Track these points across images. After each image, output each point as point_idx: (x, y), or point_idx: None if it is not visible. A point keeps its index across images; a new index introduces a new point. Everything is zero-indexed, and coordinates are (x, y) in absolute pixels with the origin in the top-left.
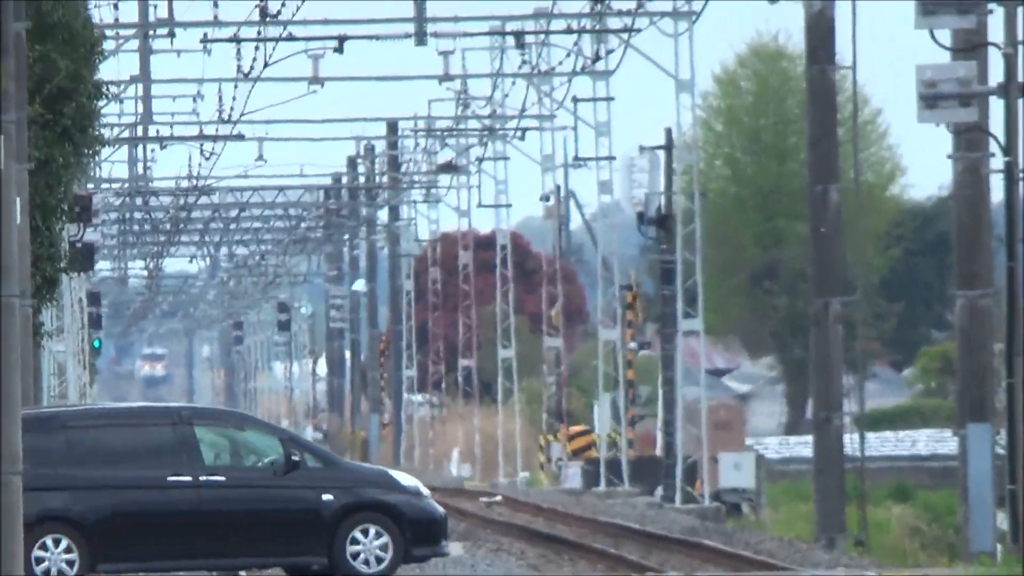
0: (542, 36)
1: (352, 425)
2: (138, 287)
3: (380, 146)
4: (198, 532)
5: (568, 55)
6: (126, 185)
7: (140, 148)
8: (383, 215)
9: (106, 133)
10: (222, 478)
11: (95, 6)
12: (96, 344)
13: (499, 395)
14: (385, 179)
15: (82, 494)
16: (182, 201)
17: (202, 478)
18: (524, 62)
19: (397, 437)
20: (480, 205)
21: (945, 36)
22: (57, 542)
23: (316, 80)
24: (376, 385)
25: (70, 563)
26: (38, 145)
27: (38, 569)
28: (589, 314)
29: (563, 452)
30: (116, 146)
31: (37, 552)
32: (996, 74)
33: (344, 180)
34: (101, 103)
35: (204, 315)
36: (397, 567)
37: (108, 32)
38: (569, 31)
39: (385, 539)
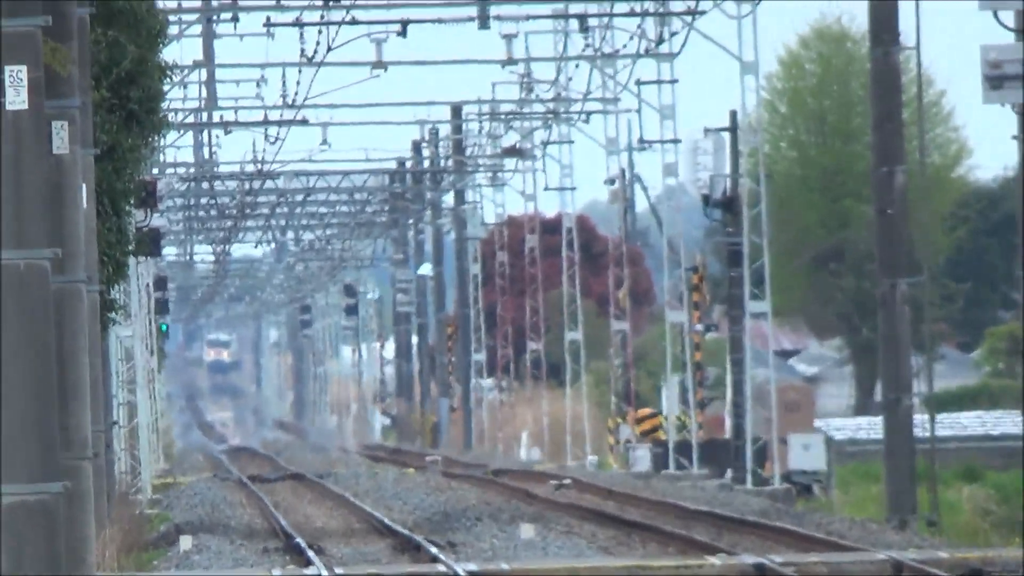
0: (605, 19)
1: (421, 409)
2: (205, 271)
3: (444, 130)
4: None
5: (632, 38)
6: (191, 170)
7: (205, 133)
8: (448, 199)
9: (171, 118)
10: None
11: None
12: (163, 328)
13: (567, 378)
14: (450, 163)
15: None
16: (247, 186)
17: None
18: (587, 45)
19: (467, 421)
20: (546, 188)
21: (1009, 17)
22: None
23: (379, 64)
24: (444, 369)
25: None
26: (105, 130)
27: None
28: (656, 296)
29: (632, 434)
30: (181, 131)
31: None
32: None
33: (409, 164)
34: (166, 86)
35: (271, 299)
36: None
37: (171, 17)
38: (632, 14)
39: None
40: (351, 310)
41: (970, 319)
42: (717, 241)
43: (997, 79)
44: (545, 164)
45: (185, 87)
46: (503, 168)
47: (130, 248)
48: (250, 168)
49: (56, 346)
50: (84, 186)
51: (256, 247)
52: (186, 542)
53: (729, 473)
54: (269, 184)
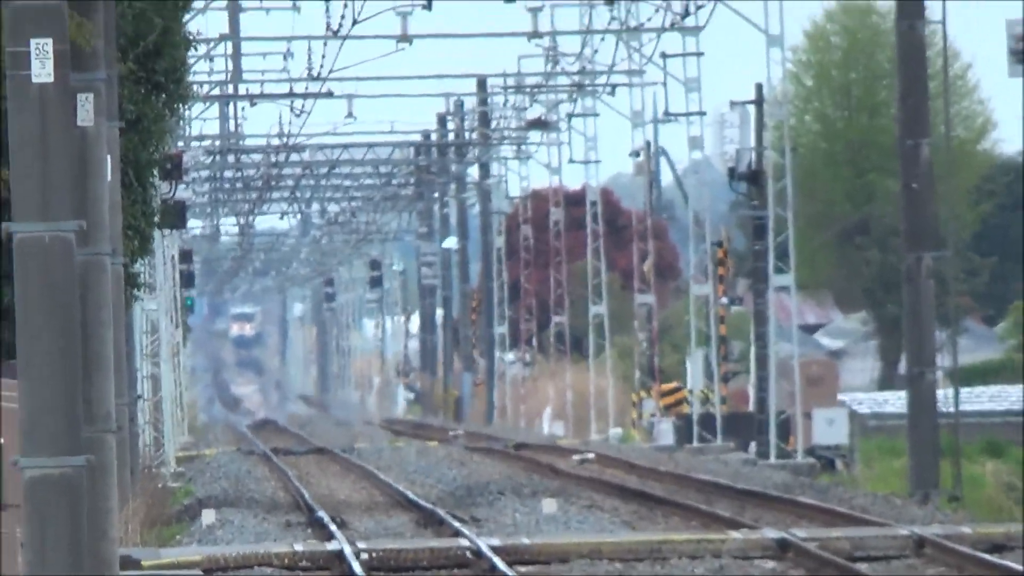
0: None
1: (444, 383)
2: (230, 244)
3: (470, 103)
4: None
5: (657, 11)
6: (217, 143)
7: (231, 106)
8: (473, 172)
9: (197, 90)
10: None
11: None
12: (189, 302)
13: (591, 352)
14: (475, 136)
15: None
16: (273, 158)
17: None
18: (613, 18)
19: (490, 395)
20: (571, 161)
21: None
22: None
23: (405, 38)
24: (468, 343)
25: None
26: (132, 101)
27: None
28: (681, 270)
29: (656, 408)
30: (207, 104)
31: None
32: None
33: (434, 137)
34: (192, 56)
35: (296, 273)
36: None
37: None
38: None
39: None
40: (375, 283)
41: (995, 293)
42: (742, 214)
43: (1023, 53)
44: (570, 137)
45: (211, 60)
46: (528, 141)
47: (155, 221)
48: (275, 141)
49: (80, 319)
50: (109, 158)
51: (281, 218)
52: (209, 516)
53: (753, 447)
54: (294, 157)
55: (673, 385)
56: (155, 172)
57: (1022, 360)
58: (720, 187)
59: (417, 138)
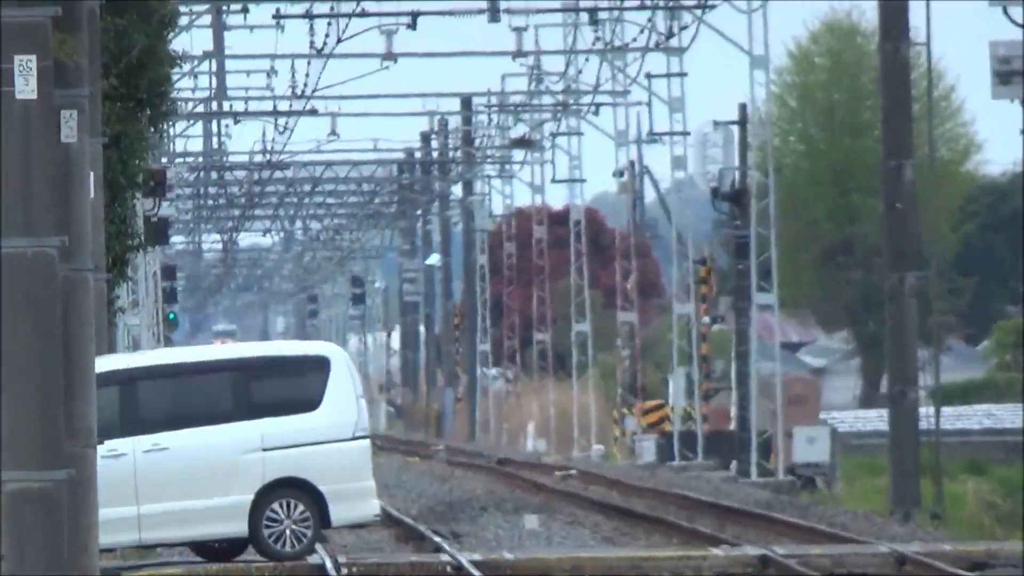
0: (615, 12)
1: (427, 399)
2: (213, 261)
3: (454, 121)
4: None
5: (641, 31)
6: (201, 160)
7: (214, 123)
8: (457, 190)
9: (181, 108)
10: None
11: None
12: (171, 317)
13: (573, 369)
14: (459, 154)
15: None
16: (256, 176)
17: None
18: (597, 38)
19: (472, 411)
20: (554, 180)
21: (1018, 13)
22: None
23: (389, 56)
24: (451, 359)
25: None
26: (117, 116)
27: None
28: (664, 288)
29: (637, 426)
30: (191, 121)
31: None
32: None
33: (417, 155)
34: (175, 74)
35: (279, 289)
36: None
37: (182, 7)
38: (643, 7)
39: None
40: (358, 299)
41: (977, 313)
42: (725, 233)
43: (1006, 74)
44: (554, 156)
45: (195, 77)
46: (511, 160)
47: (132, 242)
48: (259, 158)
49: (62, 334)
50: (92, 175)
51: (264, 235)
52: None
53: (734, 465)
54: (278, 174)
55: (655, 403)
56: (135, 189)
57: (1004, 379)
58: (703, 206)
59: (400, 156)
